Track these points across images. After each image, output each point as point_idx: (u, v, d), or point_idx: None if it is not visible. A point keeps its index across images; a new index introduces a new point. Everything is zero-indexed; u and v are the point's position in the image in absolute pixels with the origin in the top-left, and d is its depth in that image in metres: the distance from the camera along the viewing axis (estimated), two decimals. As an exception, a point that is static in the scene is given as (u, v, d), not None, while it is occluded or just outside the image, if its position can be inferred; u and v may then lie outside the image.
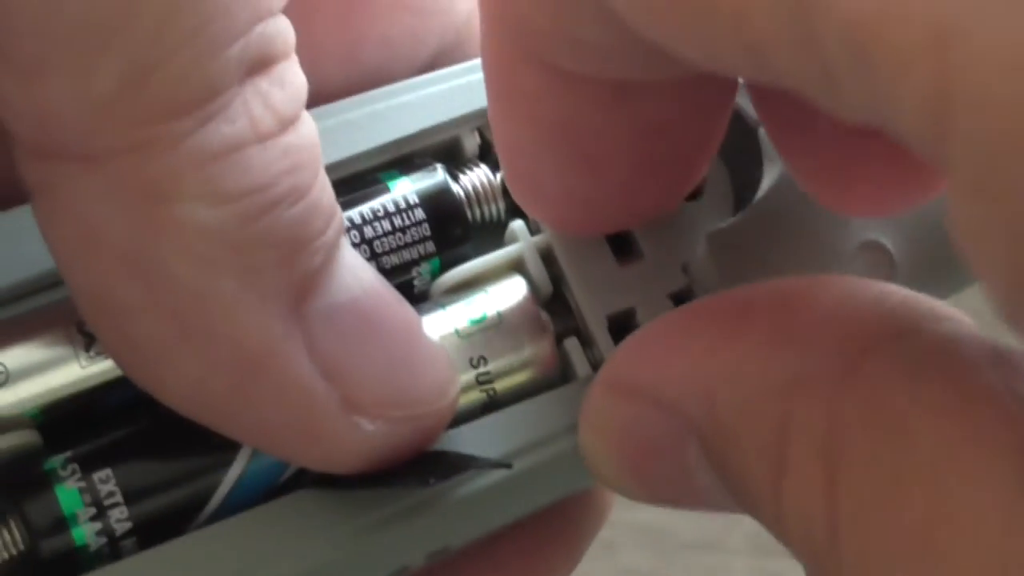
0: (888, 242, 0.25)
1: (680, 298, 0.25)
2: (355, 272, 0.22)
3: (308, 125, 0.21)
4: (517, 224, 0.25)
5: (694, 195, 0.25)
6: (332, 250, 0.21)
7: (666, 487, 0.21)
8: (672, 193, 0.23)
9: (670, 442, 0.20)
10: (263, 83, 0.20)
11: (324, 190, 0.21)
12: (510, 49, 0.21)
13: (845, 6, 0.15)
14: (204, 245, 0.20)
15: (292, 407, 0.21)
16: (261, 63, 0.20)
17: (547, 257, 0.25)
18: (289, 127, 0.21)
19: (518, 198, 0.23)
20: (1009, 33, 0.14)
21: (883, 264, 0.25)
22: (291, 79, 0.21)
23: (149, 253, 0.20)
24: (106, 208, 0.20)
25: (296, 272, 0.21)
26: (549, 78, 0.21)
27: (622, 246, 0.25)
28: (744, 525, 0.60)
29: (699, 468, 0.20)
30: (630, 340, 0.21)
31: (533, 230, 0.25)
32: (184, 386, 0.21)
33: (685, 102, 0.21)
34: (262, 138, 0.20)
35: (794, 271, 0.24)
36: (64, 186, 0.20)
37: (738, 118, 0.24)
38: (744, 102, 0.24)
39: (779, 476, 0.18)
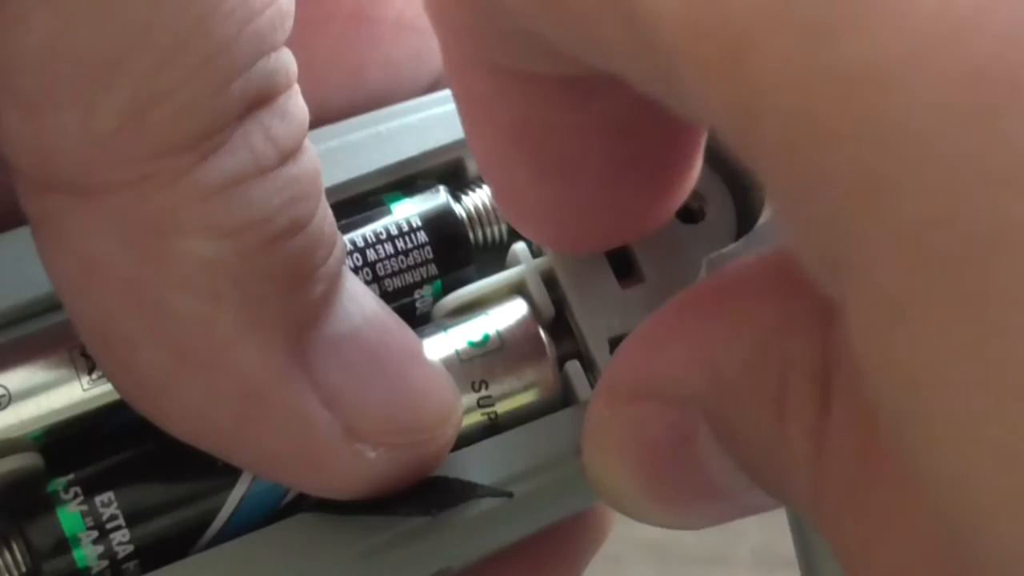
0: None
1: None
2: (357, 300, 0.22)
3: (309, 155, 0.21)
4: (519, 246, 0.25)
5: (696, 218, 0.25)
6: (334, 280, 0.21)
7: (679, 488, 0.21)
8: (661, 203, 0.23)
9: (679, 435, 0.20)
10: (264, 116, 0.20)
11: (325, 220, 0.21)
12: (460, 56, 0.21)
13: (656, 10, 0.15)
14: (204, 278, 0.20)
15: (294, 437, 0.21)
16: (263, 97, 0.20)
17: (549, 280, 0.25)
18: (290, 159, 0.21)
19: (504, 212, 0.24)
20: (790, 49, 0.14)
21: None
22: (292, 110, 0.21)
23: (150, 286, 0.20)
24: (107, 241, 0.20)
25: (297, 303, 0.21)
26: (500, 80, 0.21)
27: (624, 269, 0.25)
28: (749, 539, 0.60)
29: (710, 456, 0.20)
30: (621, 348, 0.22)
31: (535, 252, 0.25)
32: (185, 415, 0.21)
33: (646, 104, 0.21)
34: (263, 171, 0.20)
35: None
36: (65, 219, 0.20)
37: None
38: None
39: (782, 417, 0.18)
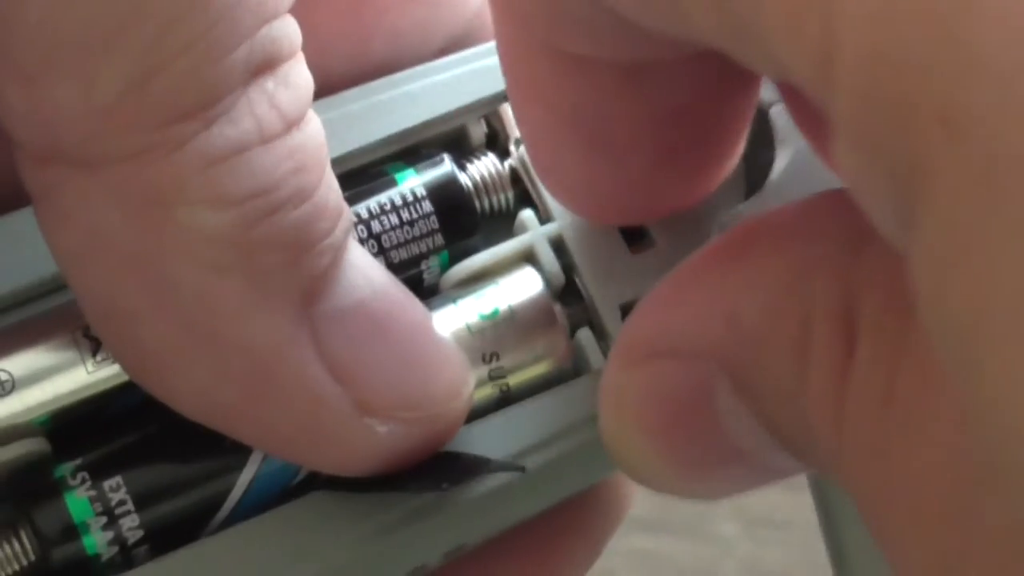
0: None
1: None
2: (364, 272, 0.22)
3: (314, 124, 0.21)
4: (526, 214, 0.25)
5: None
6: (340, 251, 0.21)
7: (699, 452, 0.20)
8: (701, 183, 0.23)
9: (697, 392, 0.20)
10: (268, 83, 0.20)
11: (330, 190, 0.21)
12: (519, 38, 0.21)
13: None
14: (209, 249, 0.20)
15: (303, 411, 0.21)
16: (267, 64, 0.20)
17: (558, 247, 0.25)
18: (294, 127, 0.20)
19: (548, 188, 0.23)
20: None
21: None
22: (297, 79, 0.21)
23: (154, 258, 0.20)
24: (110, 213, 0.20)
25: (303, 274, 0.21)
26: (559, 64, 0.20)
27: (634, 234, 0.25)
28: (738, 552, 0.60)
29: (730, 414, 0.19)
30: (636, 309, 0.21)
31: (543, 219, 0.25)
32: (193, 392, 0.21)
33: (701, 85, 0.21)
34: (267, 140, 0.20)
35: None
36: (67, 192, 0.20)
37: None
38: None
39: (804, 363, 0.18)
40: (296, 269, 0.21)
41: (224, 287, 0.20)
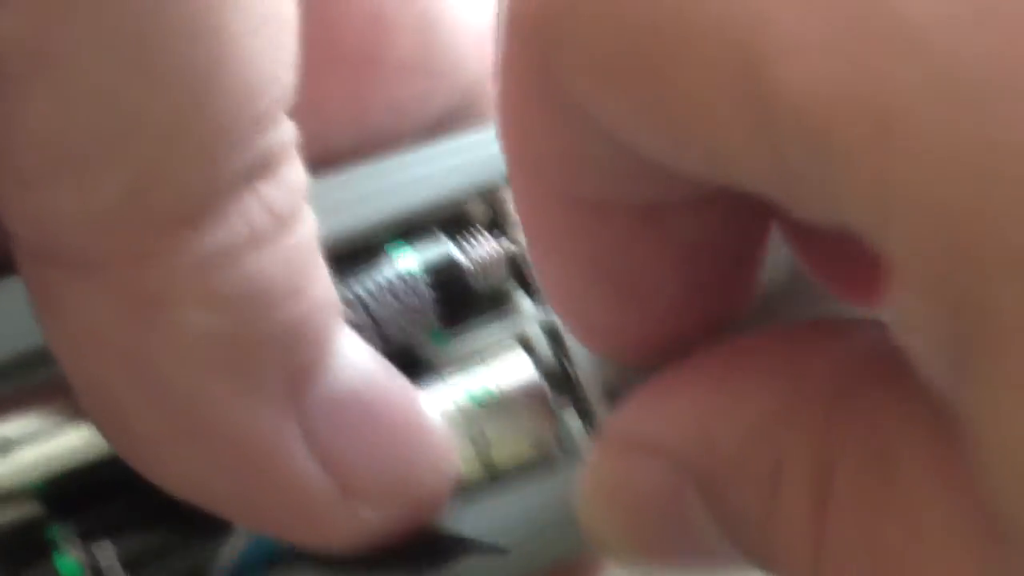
0: None
1: None
2: (353, 361, 0.22)
3: (307, 221, 0.22)
4: (522, 298, 0.25)
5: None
6: (330, 341, 0.22)
7: (664, 540, 0.21)
8: (727, 310, 0.23)
9: (670, 492, 0.20)
10: (263, 187, 0.21)
11: (322, 285, 0.22)
12: (534, 189, 0.21)
13: (799, 88, 0.15)
14: (201, 348, 0.21)
15: (290, 498, 0.22)
16: (262, 168, 0.21)
17: (551, 331, 0.25)
18: (287, 227, 0.21)
19: (575, 334, 0.23)
20: (948, 128, 0.14)
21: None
22: (291, 177, 0.21)
23: (147, 355, 0.21)
24: (105, 314, 0.21)
25: (293, 367, 0.21)
26: (576, 213, 0.21)
27: None
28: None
29: (696, 515, 0.20)
30: (630, 398, 0.22)
31: (538, 300, 0.25)
32: (182, 479, 0.22)
33: (721, 219, 0.21)
34: (260, 241, 0.21)
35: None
36: (63, 291, 0.21)
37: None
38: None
39: (773, 509, 0.19)
40: (286, 363, 0.21)
41: (215, 383, 0.21)
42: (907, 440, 0.17)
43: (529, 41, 0.19)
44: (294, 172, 0.21)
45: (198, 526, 0.23)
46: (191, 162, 0.20)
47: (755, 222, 0.22)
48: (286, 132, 0.21)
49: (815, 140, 0.15)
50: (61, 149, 0.19)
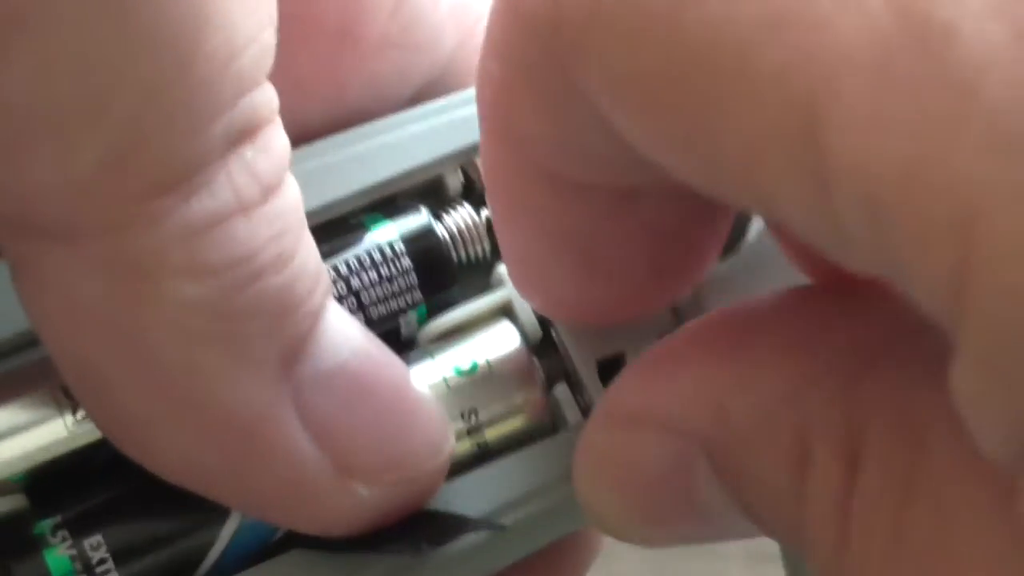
0: None
1: None
2: (343, 333, 0.22)
3: (292, 188, 0.21)
4: (503, 268, 0.25)
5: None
6: (319, 314, 0.22)
7: (668, 513, 0.21)
8: (687, 284, 0.23)
9: (678, 465, 0.20)
10: (247, 152, 0.20)
11: (309, 253, 0.21)
12: (514, 163, 0.21)
13: (865, 163, 0.15)
14: (189, 319, 0.20)
15: (284, 475, 0.21)
16: (245, 133, 0.20)
17: None
18: (273, 194, 0.21)
19: (529, 300, 0.24)
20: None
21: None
22: (275, 144, 0.21)
23: (134, 329, 0.20)
24: (89, 285, 0.20)
25: (283, 339, 0.21)
26: (555, 189, 0.21)
27: None
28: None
29: (707, 488, 0.20)
30: (627, 370, 0.22)
31: None
32: (173, 458, 0.21)
33: (694, 202, 0.21)
34: (246, 208, 0.20)
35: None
36: (46, 263, 0.20)
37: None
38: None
39: (802, 480, 0.19)
40: (276, 334, 0.21)
41: (205, 355, 0.21)
42: (936, 415, 0.17)
43: (543, 40, 0.18)
44: (278, 138, 0.21)
45: (189, 515, 0.23)
46: (173, 125, 0.19)
47: (724, 211, 0.22)
48: (269, 96, 0.21)
49: (878, 215, 0.15)
50: (38, 115, 0.19)
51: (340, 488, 0.22)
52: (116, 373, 0.21)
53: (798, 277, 0.24)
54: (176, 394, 0.21)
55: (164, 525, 0.23)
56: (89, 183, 0.19)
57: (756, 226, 0.24)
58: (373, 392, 0.22)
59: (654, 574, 0.59)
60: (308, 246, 0.22)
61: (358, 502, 0.22)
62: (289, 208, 0.21)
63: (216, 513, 0.23)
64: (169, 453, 0.21)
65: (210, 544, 0.23)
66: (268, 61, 0.21)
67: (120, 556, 0.23)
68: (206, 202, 0.20)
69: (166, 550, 0.23)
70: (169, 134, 0.20)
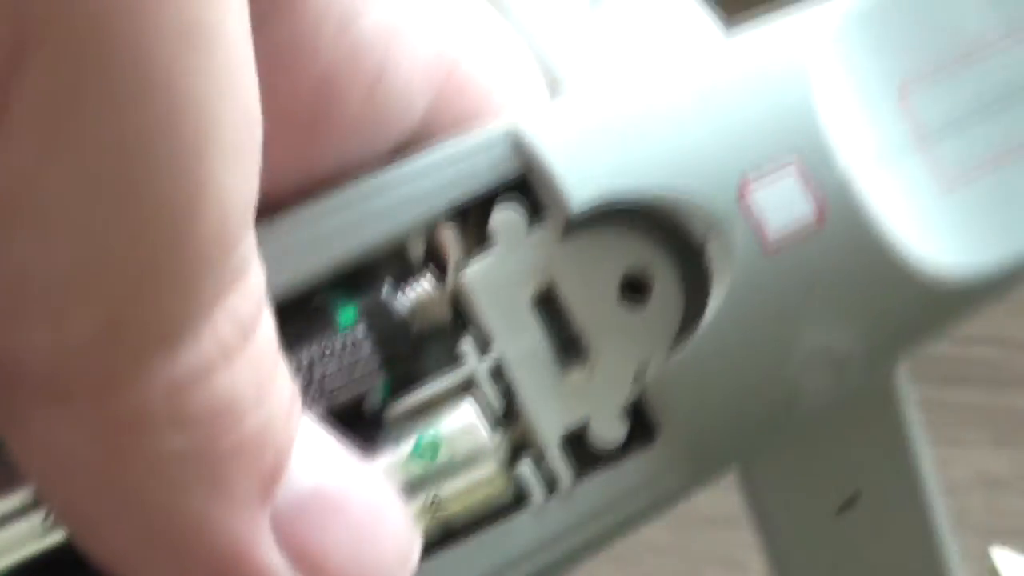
0: (842, 346, 0.25)
1: (635, 408, 0.25)
2: (316, 453, 0.23)
3: (266, 321, 0.22)
4: (467, 342, 0.25)
5: (642, 299, 0.25)
6: (293, 440, 0.22)
7: None
8: None
9: None
10: (231, 299, 0.21)
11: (284, 384, 0.22)
12: None
13: None
14: (175, 468, 0.21)
15: None
16: (231, 283, 0.21)
17: (497, 373, 0.25)
18: (252, 334, 0.21)
19: None
20: None
21: (837, 371, 0.25)
22: (254, 281, 0.21)
23: (120, 480, 0.21)
24: (76, 439, 0.21)
25: (263, 473, 0.22)
26: None
27: (572, 354, 0.25)
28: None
29: None
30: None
31: (482, 344, 0.25)
32: None
33: None
34: (229, 358, 0.21)
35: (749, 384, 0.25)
36: (33, 417, 0.21)
37: (685, 235, 0.25)
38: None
39: None
40: (256, 470, 0.22)
41: (188, 500, 0.21)
42: None
43: None
44: (256, 275, 0.21)
45: None
46: (167, 295, 0.20)
47: None
48: (251, 238, 0.21)
49: None
50: (37, 287, 0.20)
51: None
52: (99, 515, 0.21)
53: (760, 348, 0.24)
54: (158, 537, 0.21)
55: None
56: (81, 350, 0.20)
57: (715, 306, 0.25)
58: (347, 510, 0.23)
59: (679, 541, 0.59)
60: (282, 375, 0.22)
61: None
62: (265, 343, 0.22)
63: None
64: None
65: None
66: (254, 203, 0.21)
67: None
68: (191, 357, 0.20)
69: None
70: (163, 303, 0.20)
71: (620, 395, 0.25)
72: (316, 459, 0.23)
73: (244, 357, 0.21)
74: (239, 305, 0.21)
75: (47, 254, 0.19)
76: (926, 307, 0.25)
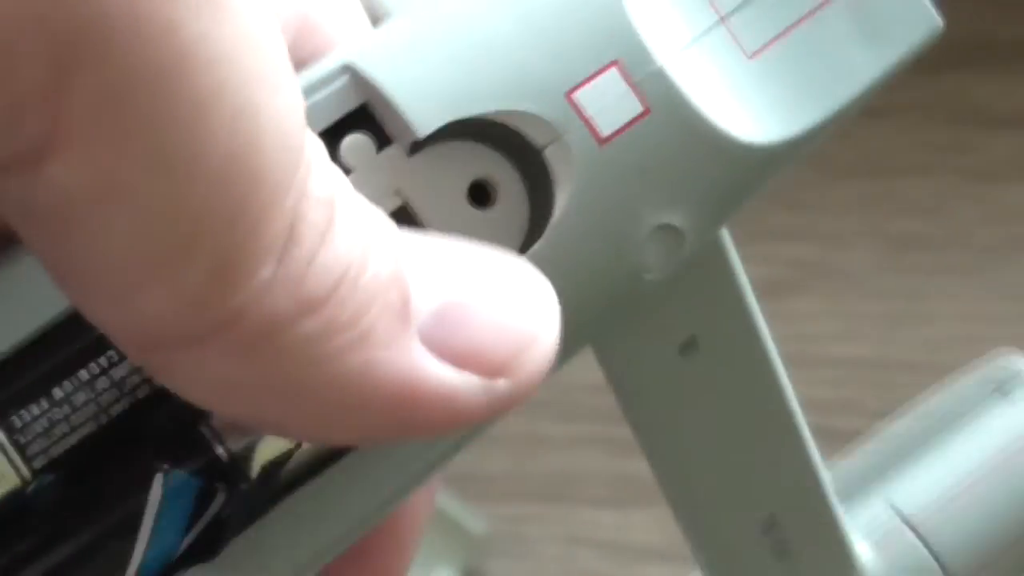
0: (678, 220, 0.27)
1: None
2: (432, 260, 0.25)
3: (342, 184, 0.23)
4: None
5: (490, 204, 0.27)
6: (403, 264, 0.24)
7: None
8: None
9: None
10: (311, 188, 0.22)
11: (377, 223, 0.24)
12: None
13: None
14: (322, 347, 0.23)
15: (447, 413, 0.24)
16: (305, 178, 0.22)
17: None
18: (335, 208, 0.23)
19: None
20: None
21: (675, 243, 0.27)
22: (320, 162, 0.23)
23: (281, 382, 0.23)
24: (228, 370, 0.23)
25: (395, 309, 0.24)
26: None
27: None
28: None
29: None
30: None
31: None
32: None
33: None
34: (325, 236, 0.23)
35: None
36: (183, 364, 0.23)
37: (525, 142, 0.27)
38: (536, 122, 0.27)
39: None
40: (388, 309, 0.23)
41: (347, 365, 0.23)
42: None
43: None
44: (318, 155, 0.23)
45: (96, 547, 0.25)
46: (258, 220, 0.22)
47: None
48: (306, 132, 0.23)
49: None
50: (142, 260, 0.21)
51: (492, 395, 0.24)
52: (280, 416, 0.24)
53: (607, 238, 0.26)
54: (339, 407, 0.23)
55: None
56: (201, 296, 0.22)
57: (561, 205, 0.27)
58: (479, 295, 0.25)
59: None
60: (373, 217, 0.24)
61: (505, 395, 0.25)
62: (349, 204, 0.23)
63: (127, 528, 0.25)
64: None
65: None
66: (303, 106, 0.23)
67: None
68: (296, 253, 0.22)
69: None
70: (255, 227, 0.22)
71: None
72: (435, 266, 0.24)
73: (337, 230, 0.23)
74: (318, 189, 0.23)
75: (141, 230, 0.21)
76: (746, 172, 0.28)
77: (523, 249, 0.27)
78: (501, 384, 0.24)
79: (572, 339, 0.27)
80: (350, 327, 0.23)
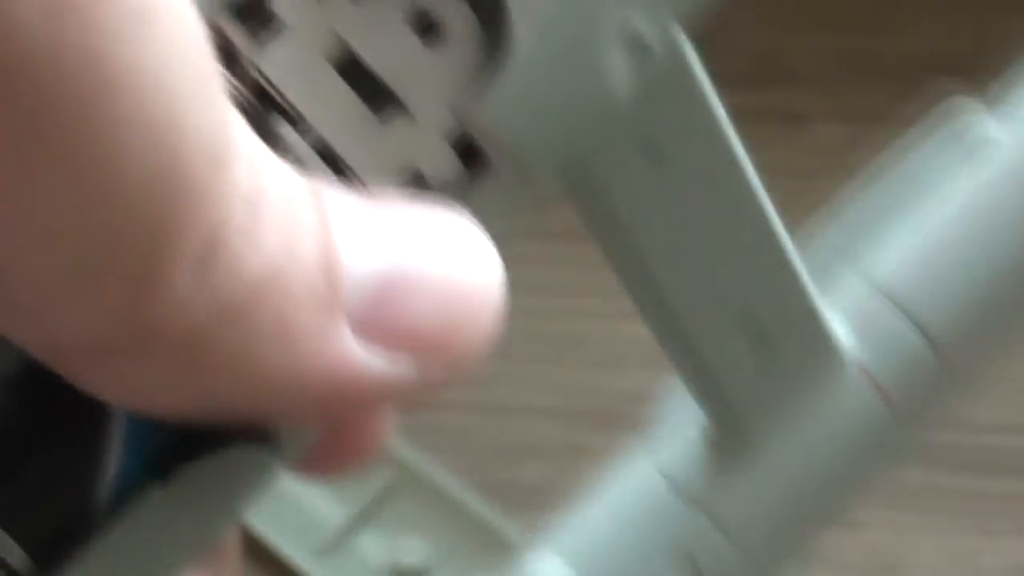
0: (634, 22, 0.26)
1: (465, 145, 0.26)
2: (364, 234, 0.23)
3: (269, 176, 0.23)
4: (279, 124, 0.26)
5: (440, 37, 0.26)
6: (336, 246, 0.23)
7: None
8: None
9: None
10: (230, 185, 0.22)
11: (305, 212, 0.23)
12: None
13: None
14: (247, 345, 0.22)
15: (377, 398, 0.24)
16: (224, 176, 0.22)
17: (320, 147, 0.26)
18: (260, 203, 0.22)
19: None
20: None
21: (636, 47, 0.26)
22: (246, 154, 0.22)
23: (203, 382, 0.22)
24: (151, 380, 0.22)
25: (321, 297, 0.23)
26: None
27: (389, 108, 0.26)
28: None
29: None
30: None
31: (297, 128, 0.26)
32: None
33: None
34: (247, 236, 0.22)
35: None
36: (103, 378, 0.22)
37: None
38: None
39: None
40: (313, 299, 0.23)
41: (277, 361, 0.22)
42: None
43: None
44: (245, 147, 0.22)
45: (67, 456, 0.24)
46: (176, 238, 0.21)
47: None
48: (233, 123, 0.22)
49: None
50: (55, 278, 0.21)
51: (427, 375, 0.24)
52: (208, 411, 0.23)
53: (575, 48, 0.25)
54: (268, 398, 0.23)
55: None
56: (115, 314, 0.21)
57: (522, 34, 0.25)
58: (417, 274, 0.24)
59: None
60: (301, 202, 0.23)
61: (442, 373, 0.24)
62: (276, 198, 0.22)
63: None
64: None
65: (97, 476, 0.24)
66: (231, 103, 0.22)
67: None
68: (217, 259, 0.21)
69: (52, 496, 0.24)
70: (175, 236, 0.21)
71: (443, 130, 0.26)
72: (368, 236, 0.23)
73: (261, 226, 0.22)
74: (243, 187, 0.22)
75: (56, 247, 0.20)
76: None
77: (481, 85, 0.26)
78: (438, 363, 0.24)
79: (548, 167, 0.26)
80: (274, 328, 0.22)
